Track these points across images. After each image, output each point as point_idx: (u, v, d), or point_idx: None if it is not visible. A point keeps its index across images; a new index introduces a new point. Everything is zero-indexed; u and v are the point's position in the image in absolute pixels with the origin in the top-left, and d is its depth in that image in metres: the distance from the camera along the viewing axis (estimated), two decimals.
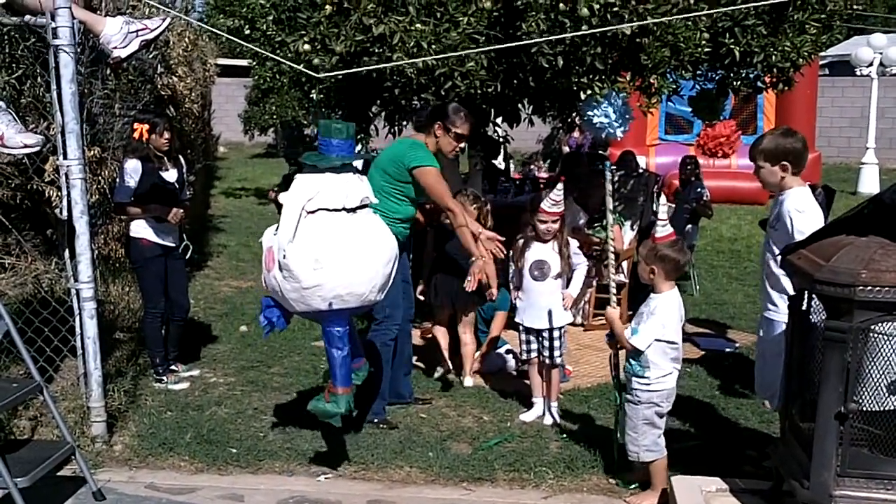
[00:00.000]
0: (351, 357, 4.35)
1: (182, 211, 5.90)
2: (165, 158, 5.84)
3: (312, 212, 4.04)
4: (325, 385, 4.45)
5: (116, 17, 4.74)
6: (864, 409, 3.34)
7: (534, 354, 5.49)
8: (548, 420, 5.40)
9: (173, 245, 5.97)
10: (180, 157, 6.10)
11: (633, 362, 4.30)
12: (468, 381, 6.09)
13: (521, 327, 5.51)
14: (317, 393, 4.55)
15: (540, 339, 5.45)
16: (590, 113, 6.22)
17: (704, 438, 5.14)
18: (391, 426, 5.25)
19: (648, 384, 4.25)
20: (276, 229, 4.13)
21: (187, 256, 6.19)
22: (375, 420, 5.27)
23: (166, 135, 5.77)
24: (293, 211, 4.02)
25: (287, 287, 4.07)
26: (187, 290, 6.36)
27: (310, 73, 5.59)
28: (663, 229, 4.47)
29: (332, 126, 4.15)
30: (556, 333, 5.39)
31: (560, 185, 5.41)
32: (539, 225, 5.39)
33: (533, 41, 5.40)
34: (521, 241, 5.52)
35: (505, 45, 5.45)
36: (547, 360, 5.43)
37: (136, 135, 5.67)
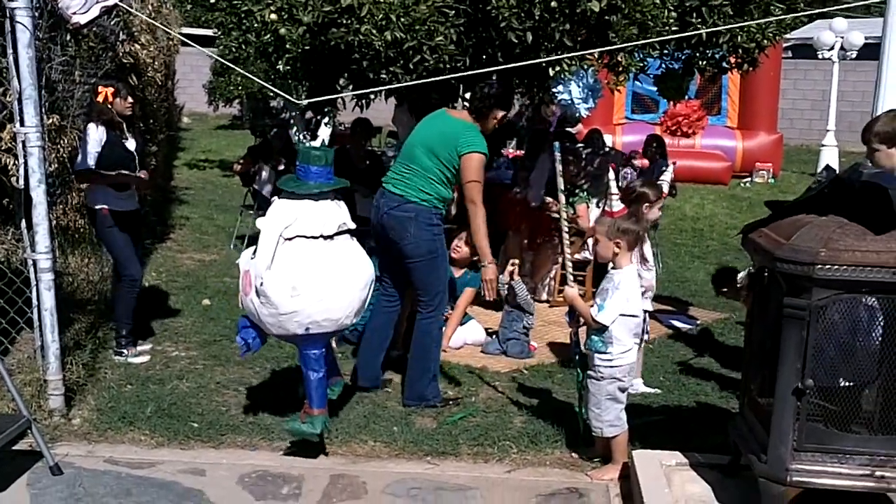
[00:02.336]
0: (327, 377, 4.39)
1: (146, 175, 5.86)
2: (126, 126, 5.75)
3: (290, 239, 4.08)
4: (302, 400, 4.44)
5: None
6: (820, 384, 3.39)
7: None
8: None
9: (133, 209, 5.89)
10: (140, 124, 6.01)
11: (595, 338, 4.32)
12: None
13: None
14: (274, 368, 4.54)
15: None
16: (558, 89, 6.20)
17: (665, 413, 5.19)
18: (455, 402, 5.28)
19: (611, 360, 4.27)
20: (254, 252, 4.14)
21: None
22: (437, 403, 5.23)
23: (130, 99, 5.70)
24: (271, 237, 4.06)
25: (264, 312, 4.12)
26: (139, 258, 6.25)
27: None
28: (618, 204, 4.49)
29: (311, 153, 4.18)
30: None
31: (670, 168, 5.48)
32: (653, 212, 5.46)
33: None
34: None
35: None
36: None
37: (100, 98, 5.58)
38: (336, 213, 4.22)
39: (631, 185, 5.50)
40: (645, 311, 5.01)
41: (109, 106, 5.59)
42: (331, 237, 4.17)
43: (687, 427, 4.93)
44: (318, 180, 4.17)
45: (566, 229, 4.71)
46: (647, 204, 5.42)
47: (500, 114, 5.21)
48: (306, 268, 4.07)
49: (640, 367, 5.55)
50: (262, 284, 4.06)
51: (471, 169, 5.04)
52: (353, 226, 4.32)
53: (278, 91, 5.31)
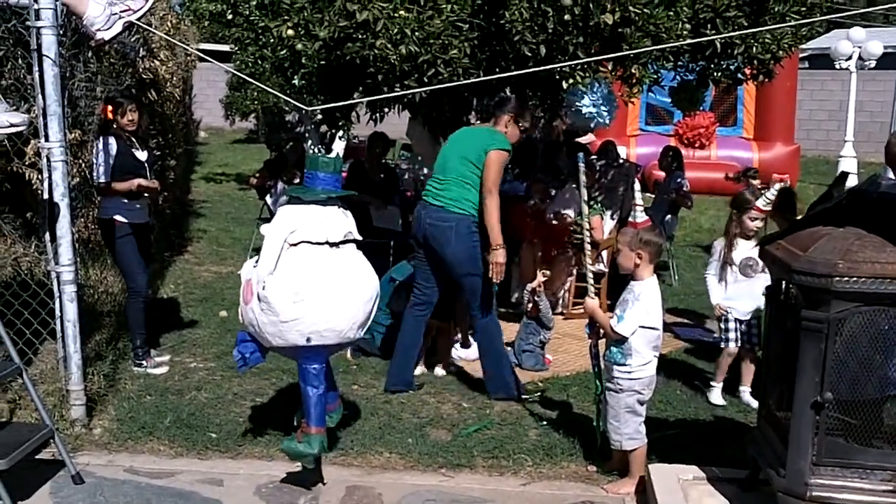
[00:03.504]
0: (325, 395, 4.29)
1: (157, 182, 5.95)
2: (134, 139, 5.83)
3: (295, 244, 4.01)
4: (299, 421, 4.38)
5: None
6: (840, 398, 3.38)
7: (732, 344, 5.64)
8: (747, 398, 5.59)
9: (144, 222, 5.95)
10: (149, 140, 6.08)
11: (614, 350, 4.33)
12: (440, 371, 6.13)
13: (726, 317, 5.65)
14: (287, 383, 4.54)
15: (747, 328, 5.60)
16: (577, 102, 6.24)
17: (682, 427, 5.19)
18: (542, 391, 5.47)
19: (630, 372, 4.28)
20: (256, 262, 4.09)
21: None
22: (525, 396, 5.55)
23: (130, 115, 5.76)
24: (275, 242, 3.98)
25: (265, 320, 4.01)
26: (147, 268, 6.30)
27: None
28: (641, 215, 4.51)
29: (319, 160, 4.13)
30: (755, 322, 5.56)
31: (777, 186, 5.64)
32: (748, 222, 5.57)
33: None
34: (727, 240, 5.72)
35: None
36: (748, 347, 5.59)
37: (102, 114, 5.68)
38: (343, 221, 4.16)
39: (742, 191, 5.60)
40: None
41: (110, 122, 5.69)
42: (336, 245, 4.10)
43: (704, 441, 4.94)
44: (326, 186, 4.12)
45: (588, 239, 4.72)
46: (752, 212, 5.55)
47: (509, 118, 5.60)
48: (310, 273, 3.98)
49: (750, 376, 5.63)
50: (264, 289, 3.95)
51: (491, 163, 5.38)
52: (359, 237, 4.25)
53: (292, 100, 5.34)
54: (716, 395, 5.67)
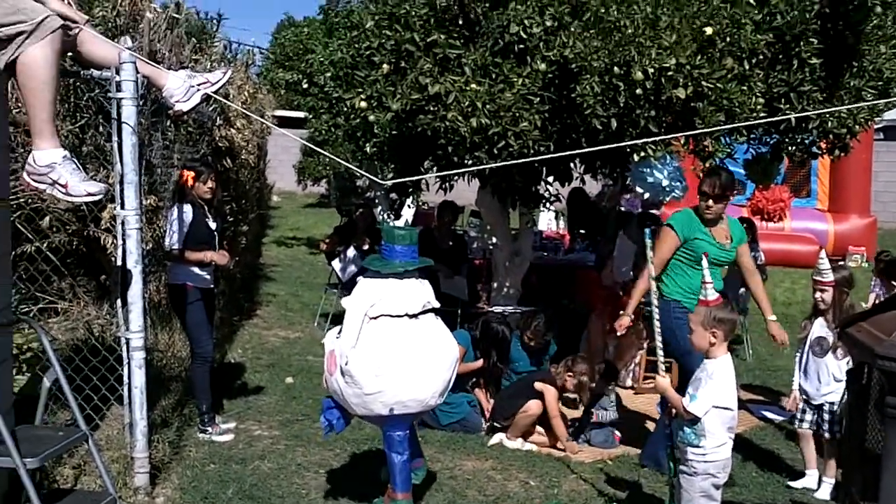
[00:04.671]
0: (410, 460, 4.32)
1: (226, 256, 6.02)
2: (207, 207, 5.92)
3: (375, 317, 4.07)
4: (385, 484, 4.42)
5: (179, 70, 4.82)
6: None
7: (806, 425, 5.49)
8: (822, 493, 5.33)
9: (211, 287, 6.03)
10: (223, 207, 6.17)
11: (687, 430, 4.18)
12: (513, 443, 6.03)
13: (802, 398, 5.56)
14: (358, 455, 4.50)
15: (817, 411, 5.44)
16: (648, 175, 6.18)
17: None
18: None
19: (704, 454, 4.13)
20: (339, 332, 4.14)
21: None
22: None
23: (209, 184, 5.87)
24: (356, 316, 4.05)
25: (349, 392, 4.09)
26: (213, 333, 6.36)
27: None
28: (713, 293, 4.41)
29: (395, 232, 4.19)
30: (828, 407, 5.38)
31: (823, 253, 5.49)
32: (815, 293, 5.44)
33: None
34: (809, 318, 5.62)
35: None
36: (826, 434, 5.40)
37: (182, 180, 5.78)
38: (421, 292, 4.19)
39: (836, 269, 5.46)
40: None
41: (191, 188, 5.78)
42: (415, 316, 4.14)
43: None
44: (403, 259, 4.16)
45: (657, 316, 4.62)
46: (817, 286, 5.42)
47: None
48: (392, 347, 4.03)
49: (830, 466, 5.39)
50: (346, 364, 4.02)
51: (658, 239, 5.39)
52: (437, 304, 4.29)
53: (364, 172, 5.40)
54: (806, 482, 5.46)
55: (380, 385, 4.02)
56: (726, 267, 5.66)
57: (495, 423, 6.26)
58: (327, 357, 4.22)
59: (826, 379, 5.37)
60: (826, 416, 5.36)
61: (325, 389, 4.38)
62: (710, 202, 5.37)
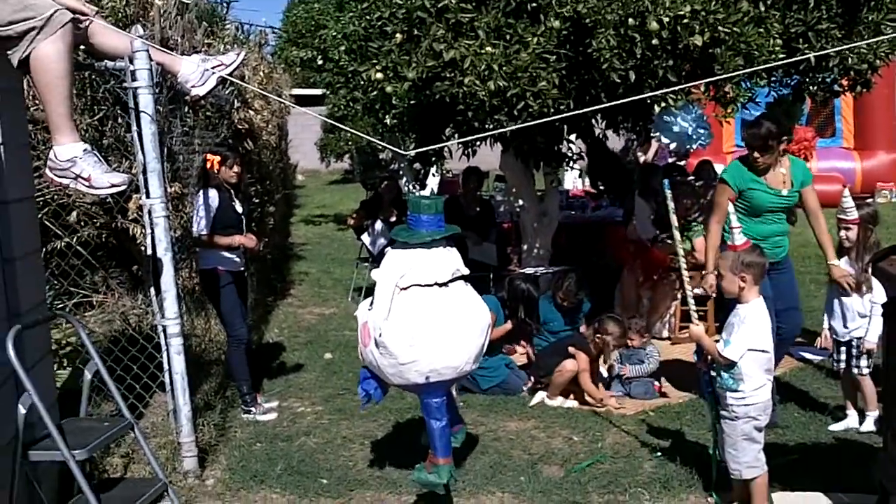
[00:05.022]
0: (450, 425, 4.32)
1: (254, 239, 6.06)
2: (233, 192, 5.94)
3: (405, 288, 4.05)
4: (427, 452, 4.38)
5: (192, 55, 4.82)
6: None
7: (842, 365, 5.45)
8: (866, 427, 5.31)
9: (241, 270, 6.06)
10: (250, 190, 6.19)
11: (725, 376, 4.17)
12: (554, 401, 6.05)
13: (832, 337, 5.53)
14: (403, 423, 4.52)
15: (847, 349, 5.40)
16: (673, 124, 6.12)
17: (802, 452, 4.99)
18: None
19: (744, 398, 4.12)
20: (371, 304, 4.15)
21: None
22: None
23: (235, 168, 5.88)
24: (386, 288, 4.04)
25: (384, 363, 4.10)
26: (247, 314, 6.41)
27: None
28: (740, 237, 4.37)
29: (421, 202, 4.16)
30: (856, 343, 5.32)
31: (846, 191, 5.41)
32: (840, 231, 5.38)
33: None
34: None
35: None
36: (854, 371, 5.36)
37: (207, 165, 5.79)
38: (449, 260, 4.18)
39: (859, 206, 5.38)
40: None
41: (216, 173, 5.80)
42: (445, 284, 4.11)
43: (827, 466, 4.73)
44: (430, 228, 4.15)
45: (685, 266, 4.59)
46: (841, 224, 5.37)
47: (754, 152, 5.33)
48: (423, 316, 4.02)
49: (871, 400, 5.33)
50: (380, 335, 4.03)
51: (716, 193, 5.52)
52: (466, 271, 4.28)
53: (386, 144, 5.37)
54: (848, 422, 5.42)
55: (414, 354, 4.02)
56: (788, 211, 5.51)
57: (537, 383, 6.29)
58: (360, 329, 4.23)
59: (851, 315, 5.31)
60: (854, 352, 5.31)
61: (362, 361, 4.40)
62: (756, 154, 5.29)
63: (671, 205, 4.66)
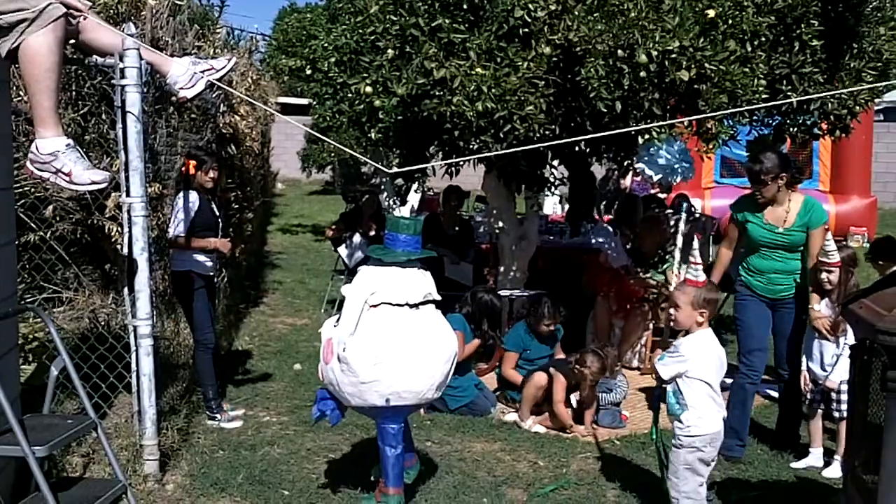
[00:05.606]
0: (404, 457, 4.30)
1: (228, 244, 6.05)
2: (210, 196, 5.93)
3: (375, 305, 4.04)
4: (377, 481, 4.42)
5: (183, 57, 4.81)
6: None
7: (816, 406, 5.48)
8: (831, 472, 5.27)
9: (212, 274, 6.06)
10: (227, 194, 6.18)
11: (672, 401, 4.24)
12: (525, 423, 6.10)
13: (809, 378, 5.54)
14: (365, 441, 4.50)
15: (826, 392, 5.43)
16: (658, 157, 6.20)
17: (764, 489, 5.04)
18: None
19: (689, 426, 4.17)
20: (337, 321, 4.12)
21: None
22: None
23: (211, 173, 5.87)
24: (356, 304, 4.02)
25: (344, 381, 4.06)
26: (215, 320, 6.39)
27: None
28: (697, 274, 4.43)
29: (399, 222, 4.16)
30: (838, 388, 5.32)
31: (829, 235, 5.40)
32: (821, 274, 5.34)
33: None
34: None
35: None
36: (835, 413, 5.35)
37: (184, 169, 5.79)
38: (422, 283, 4.17)
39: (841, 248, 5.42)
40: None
41: (191, 177, 5.79)
42: (416, 306, 4.11)
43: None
44: (406, 248, 4.14)
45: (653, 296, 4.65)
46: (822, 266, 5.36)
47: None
48: (390, 336, 4.01)
49: (840, 443, 5.31)
50: (344, 350, 3.99)
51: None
52: (438, 297, 4.27)
53: (370, 160, 5.38)
54: (809, 460, 5.45)
55: (377, 374, 3.99)
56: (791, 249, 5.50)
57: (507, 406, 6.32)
58: (324, 346, 4.18)
59: (829, 358, 5.36)
60: (833, 396, 5.35)
61: (321, 381, 4.35)
62: (756, 187, 5.44)
63: (682, 232, 4.73)
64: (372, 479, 4.42)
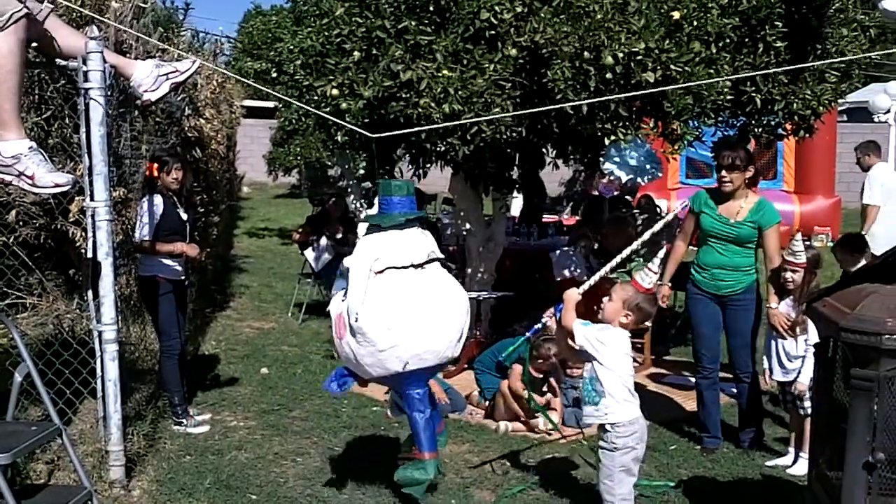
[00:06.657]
0: (434, 420, 4.18)
1: (198, 247, 6.04)
2: (177, 198, 5.89)
3: (380, 271, 3.93)
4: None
5: (147, 60, 4.77)
6: (893, 458, 3.27)
7: (789, 406, 5.56)
8: (798, 469, 5.29)
9: (181, 279, 6.01)
10: (194, 197, 6.14)
11: (588, 388, 4.25)
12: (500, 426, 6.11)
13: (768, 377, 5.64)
14: (334, 437, 4.48)
15: (786, 389, 5.53)
16: (627, 158, 6.26)
17: (730, 488, 5.07)
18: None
19: (606, 414, 4.18)
20: (343, 296, 4.05)
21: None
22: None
23: (175, 174, 5.83)
24: (361, 273, 3.90)
25: (362, 352, 3.93)
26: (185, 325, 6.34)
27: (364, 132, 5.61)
28: (648, 281, 4.44)
29: (391, 184, 4.09)
30: (797, 386, 5.37)
31: (798, 235, 5.45)
32: (786, 273, 5.38)
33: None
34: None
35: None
36: (801, 412, 5.38)
37: (147, 172, 5.75)
38: (424, 242, 4.07)
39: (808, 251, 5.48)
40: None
41: (155, 180, 5.75)
42: (421, 266, 4.00)
43: (753, 501, 4.80)
44: (402, 209, 4.04)
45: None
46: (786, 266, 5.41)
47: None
48: (401, 298, 3.89)
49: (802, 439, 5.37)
50: (357, 320, 3.86)
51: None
52: (441, 255, 4.19)
53: (351, 125, 5.30)
54: (785, 458, 5.52)
55: (393, 339, 3.87)
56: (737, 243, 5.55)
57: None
58: (335, 321, 4.04)
59: (787, 357, 5.42)
60: (795, 394, 5.42)
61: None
62: (724, 172, 5.49)
63: (662, 226, 4.82)
64: (399, 457, 4.31)
